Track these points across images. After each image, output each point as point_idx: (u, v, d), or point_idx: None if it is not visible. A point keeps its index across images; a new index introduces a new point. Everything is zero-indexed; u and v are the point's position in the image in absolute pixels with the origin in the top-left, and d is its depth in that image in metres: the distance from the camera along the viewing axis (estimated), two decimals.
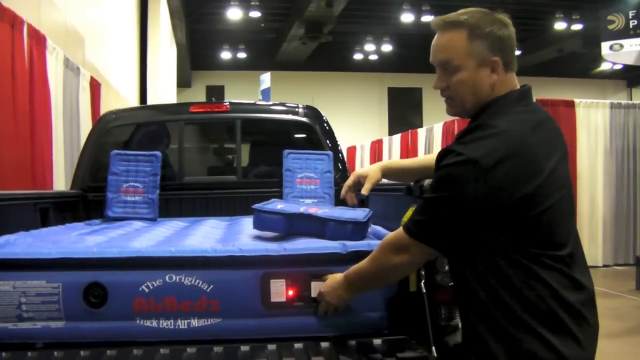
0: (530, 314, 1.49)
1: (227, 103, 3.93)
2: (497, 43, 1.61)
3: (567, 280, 1.53)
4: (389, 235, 1.72)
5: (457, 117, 1.88)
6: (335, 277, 1.86)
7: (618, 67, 19.94)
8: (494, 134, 1.53)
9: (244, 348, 1.87)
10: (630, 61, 10.89)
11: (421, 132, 12.44)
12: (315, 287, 1.91)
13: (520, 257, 1.50)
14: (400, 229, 1.66)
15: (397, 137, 13.88)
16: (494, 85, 1.62)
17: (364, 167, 2.75)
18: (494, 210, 1.49)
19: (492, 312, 1.53)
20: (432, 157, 2.06)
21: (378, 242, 2.00)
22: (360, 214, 2.22)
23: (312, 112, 3.94)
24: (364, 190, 2.03)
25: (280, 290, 1.90)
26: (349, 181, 2.09)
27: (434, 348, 1.84)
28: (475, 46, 1.60)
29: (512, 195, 1.48)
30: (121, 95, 9.21)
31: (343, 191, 2.11)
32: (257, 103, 5.76)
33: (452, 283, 1.74)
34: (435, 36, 1.67)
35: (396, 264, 1.67)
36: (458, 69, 1.61)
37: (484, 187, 1.47)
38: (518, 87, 1.66)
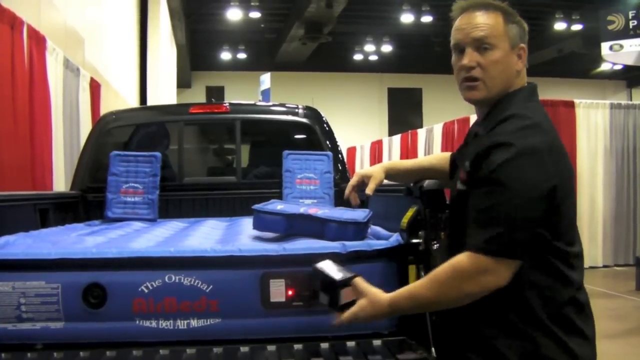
0: (547, 313, 1.49)
1: (227, 104, 3.93)
2: (522, 33, 1.66)
3: (580, 279, 1.55)
4: (459, 262, 1.48)
5: (468, 110, 1.86)
6: (377, 302, 1.61)
7: (618, 67, 19.94)
8: (533, 125, 1.52)
9: (244, 349, 1.87)
10: (630, 61, 10.90)
11: (421, 133, 12.45)
12: (345, 295, 1.68)
13: (551, 256, 1.50)
14: (468, 253, 1.47)
15: (397, 138, 13.89)
16: (520, 73, 1.65)
17: (364, 167, 2.72)
18: (548, 201, 1.46)
19: (504, 312, 1.51)
20: (433, 158, 2.05)
21: (378, 242, 2.00)
22: (360, 214, 2.21)
23: (312, 113, 3.94)
24: (368, 190, 2.00)
25: (279, 290, 1.89)
26: (353, 181, 2.06)
27: (433, 349, 1.84)
28: (510, 29, 1.63)
29: (556, 186, 1.47)
30: (121, 95, 9.21)
31: (347, 191, 2.07)
32: (257, 104, 5.76)
33: None
34: (464, 17, 1.64)
35: (475, 292, 1.47)
36: (493, 47, 1.61)
37: (545, 174, 1.46)
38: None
